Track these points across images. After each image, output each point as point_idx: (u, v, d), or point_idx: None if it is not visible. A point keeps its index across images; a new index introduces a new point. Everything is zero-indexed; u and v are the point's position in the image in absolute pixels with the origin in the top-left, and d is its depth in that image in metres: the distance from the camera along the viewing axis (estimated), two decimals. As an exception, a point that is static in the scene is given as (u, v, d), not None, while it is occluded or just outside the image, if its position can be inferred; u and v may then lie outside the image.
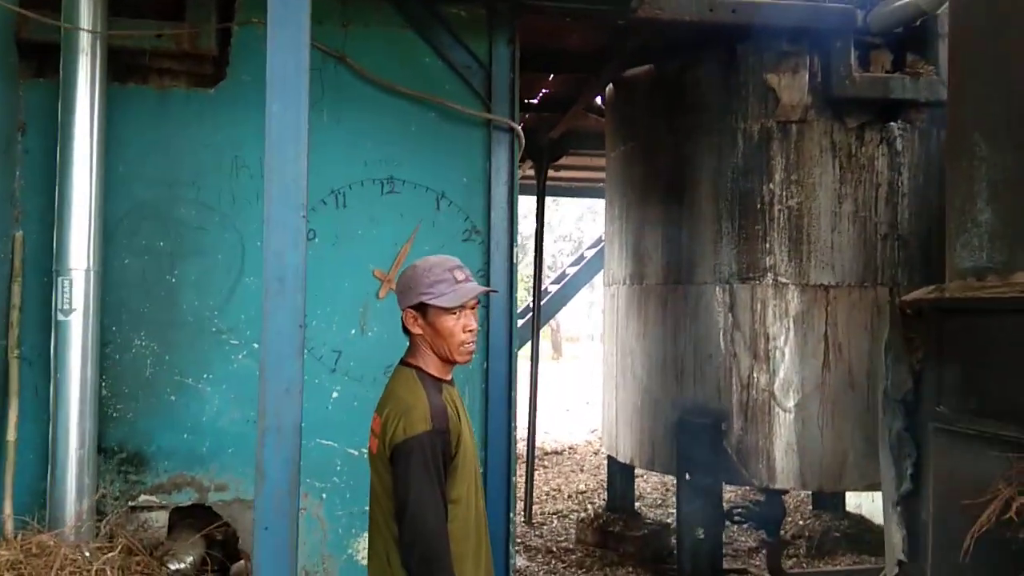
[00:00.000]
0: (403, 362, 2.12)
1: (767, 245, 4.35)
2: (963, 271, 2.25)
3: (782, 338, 4.34)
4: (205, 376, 3.25)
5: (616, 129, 5.45)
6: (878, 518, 6.36)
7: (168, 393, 3.21)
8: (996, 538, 2.08)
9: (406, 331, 2.10)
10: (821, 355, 4.30)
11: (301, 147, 2.09)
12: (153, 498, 3.16)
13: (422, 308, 2.04)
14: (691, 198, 4.61)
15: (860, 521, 6.33)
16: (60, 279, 2.85)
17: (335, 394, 3.37)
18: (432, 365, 2.08)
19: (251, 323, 3.26)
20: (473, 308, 2.08)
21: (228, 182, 3.31)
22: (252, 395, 3.29)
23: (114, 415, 3.16)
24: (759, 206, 4.36)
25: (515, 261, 3.53)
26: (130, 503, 3.12)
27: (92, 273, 2.90)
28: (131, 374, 3.19)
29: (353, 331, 3.39)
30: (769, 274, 4.35)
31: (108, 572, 2.26)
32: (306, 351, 3.22)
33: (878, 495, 6.25)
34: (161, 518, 3.15)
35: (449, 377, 2.13)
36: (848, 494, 6.48)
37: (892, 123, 4.36)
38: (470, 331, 2.06)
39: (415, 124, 3.49)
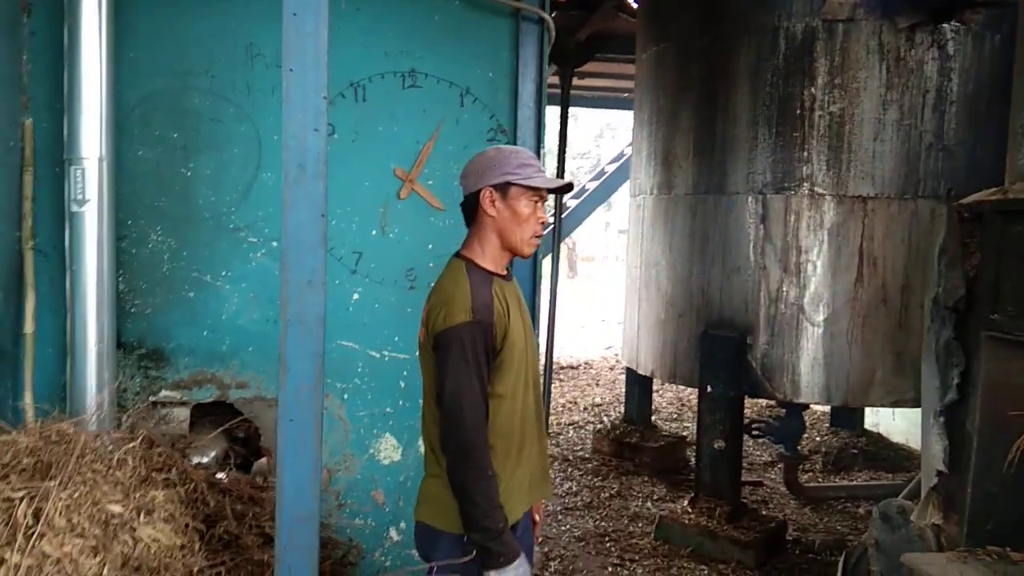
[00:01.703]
0: (456, 254, 2.10)
1: (805, 153, 4.16)
2: (1029, 172, 2.09)
3: (815, 251, 4.20)
4: (223, 274, 3.18)
5: (648, 29, 5.18)
6: (896, 436, 6.37)
7: (186, 290, 3.15)
8: (1045, 450, 2.00)
9: (469, 218, 2.08)
10: (855, 269, 4.17)
11: (322, 19, 1.94)
12: (174, 394, 3.14)
13: (504, 189, 2.00)
14: (726, 103, 4.40)
15: (878, 439, 6.33)
16: (72, 168, 2.74)
17: (356, 296, 3.29)
18: (489, 257, 2.05)
19: (269, 220, 3.15)
20: (545, 203, 2.08)
21: (243, 72, 3.15)
22: (272, 294, 3.24)
23: (132, 310, 3.11)
24: (799, 112, 4.15)
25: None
26: (151, 398, 3.11)
27: (105, 163, 2.79)
28: (148, 269, 3.12)
29: (374, 232, 3.29)
30: (805, 184, 4.18)
31: (129, 461, 2.24)
32: (326, 251, 3.16)
33: (899, 413, 6.25)
34: (182, 414, 3.14)
35: (504, 272, 2.09)
36: (867, 412, 6.47)
37: (945, 24, 4.09)
38: (542, 223, 2.05)
39: (439, 13, 3.29)
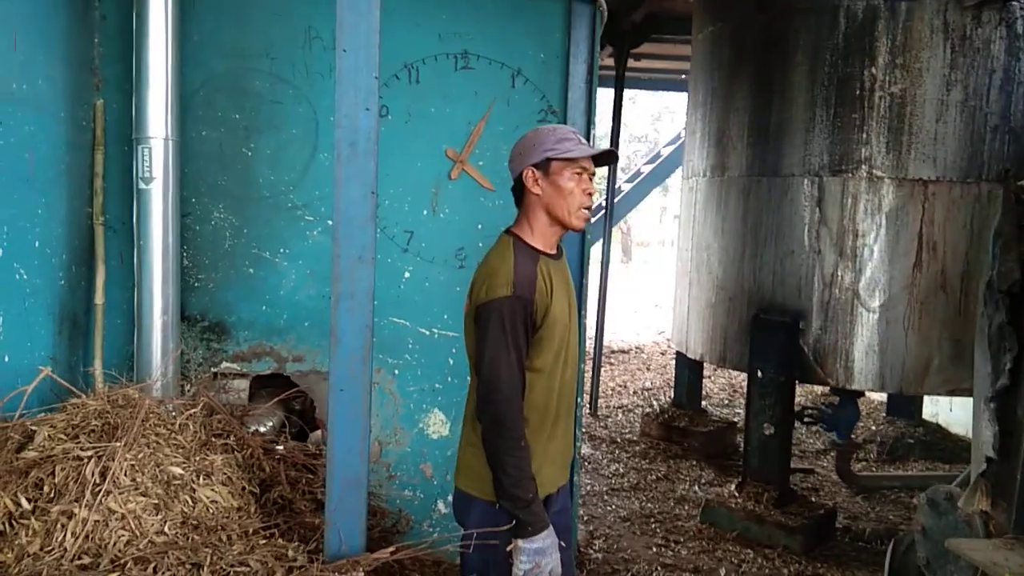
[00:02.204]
0: (506, 230, 2.14)
1: (864, 135, 4.07)
2: (1094, 152, 2.02)
3: (872, 235, 4.12)
4: (282, 251, 3.29)
5: (705, 8, 5.11)
6: (955, 427, 6.20)
7: (247, 266, 3.27)
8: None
9: (518, 199, 2.13)
10: (913, 254, 4.08)
11: (374, 0, 1.99)
12: (234, 365, 3.27)
13: (545, 166, 2.04)
14: (782, 83, 4.33)
15: (936, 429, 6.18)
16: (140, 147, 2.87)
17: (407, 274, 3.37)
18: (537, 235, 2.09)
19: (325, 200, 3.25)
20: (592, 177, 2.09)
21: (302, 54, 3.24)
22: (327, 271, 3.33)
23: (196, 284, 3.24)
24: (858, 92, 4.06)
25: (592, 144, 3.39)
26: (212, 369, 3.25)
27: (171, 142, 2.91)
28: (211, 245, 3.25)
29: (425, 212, 3.35)
30: (863, 166, 4.09)
31: (190, 426, 2.36)
32: (378, 230, 3.24)
33: (957, 403, 6.09)
34: (242, 385, 3.27)
35: (553, 250, 2.13)
36: (925, 403, 6.32)
37: (1014, 2, 3.94)
38: (589, 194, 2.07)
39: (491, -6, 3.32)
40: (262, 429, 2.96)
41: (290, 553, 2.14)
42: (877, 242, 4.12)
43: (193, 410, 2.47)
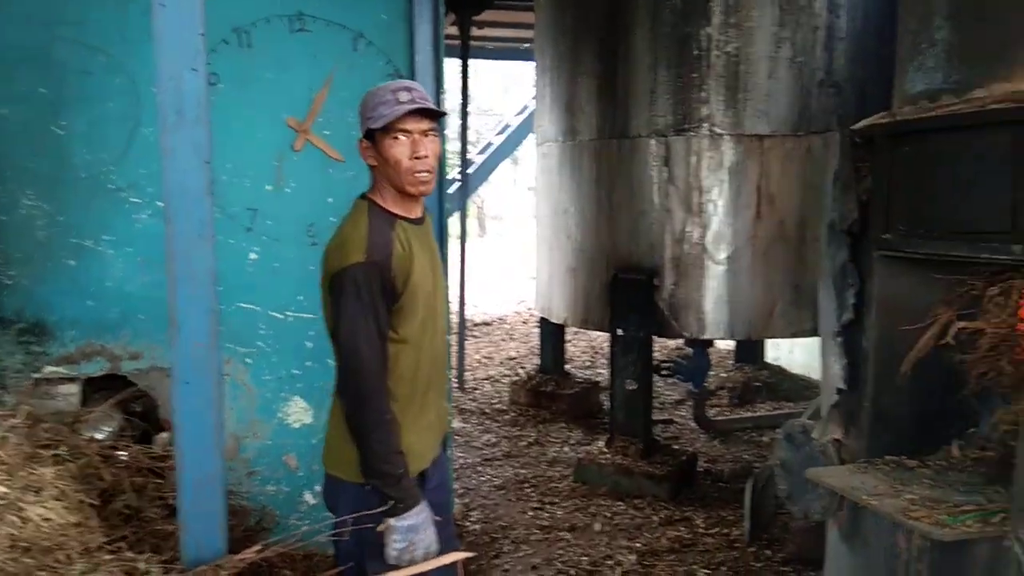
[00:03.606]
0: (361, 195, 2.01)
1: (703, 94, 4.21)
2: (915, 96, 2.16)
3: (716, 191, 4.28)
4: (106, 238, 2.97)
5: (545, -27, 5.10)
6: (795, 368, 6.68)
7: (66, 257, 2.93)
8: (934, 362, 2.10)
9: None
10: (753, 207, 4.28)
11: (191, -54, 1.79)
12: (60, 369, 2.93)
13: (371, 136, 1.91)
14: (626, 45, 4.39)
15: (779, 371, 6.63)
16: (-80, 126, 2.49)
17: (253, 255, 3.14)
18: (390, 199, 1.95)
19: (153, 179, 2.95)
20: (426, 134, 1.91)
21: (115, 18, 2.91)
22: (161, 258, 3.04)
23: (7, 282, 2.87)
24: (696, 52, 4.18)
25: (443, 109, 3.28)
26: (34, 375, 2.90)
27: (-41, 121, 2.54)
28: (22, 237, 2.88)
29: (268, 187, 3.13)
30: (705, 125, 4.24)
31: (11, 439, 2.08)
32: (217, 209, 2.98)
33: (797, 346, 6.55)
34: (72, 389, 2.94)
35: (414, 215, 1.99)
36: (768, 347, 6.75)
37: (831, -37, 4.18)
38: (418, 158, 1.89)
39: (325, -49, 3.12)
40: (99, 436, 2.68)
41: (142, 566, 1.95)
42: (721, 197, 4.29)
43: (14, 420, 2.18)
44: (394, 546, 1.87)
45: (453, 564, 2.03)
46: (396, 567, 1.89)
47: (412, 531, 1.87)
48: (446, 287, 2.35)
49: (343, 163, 3.15)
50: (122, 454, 2.56)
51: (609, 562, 3.61)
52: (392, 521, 1.86)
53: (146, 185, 2.97)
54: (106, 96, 2.93)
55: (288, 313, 3.17)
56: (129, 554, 2.00)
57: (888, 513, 1.86)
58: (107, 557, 1.97)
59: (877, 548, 2.10)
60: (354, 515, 1.89)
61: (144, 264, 2.99)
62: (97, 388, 3.03)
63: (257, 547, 2.04)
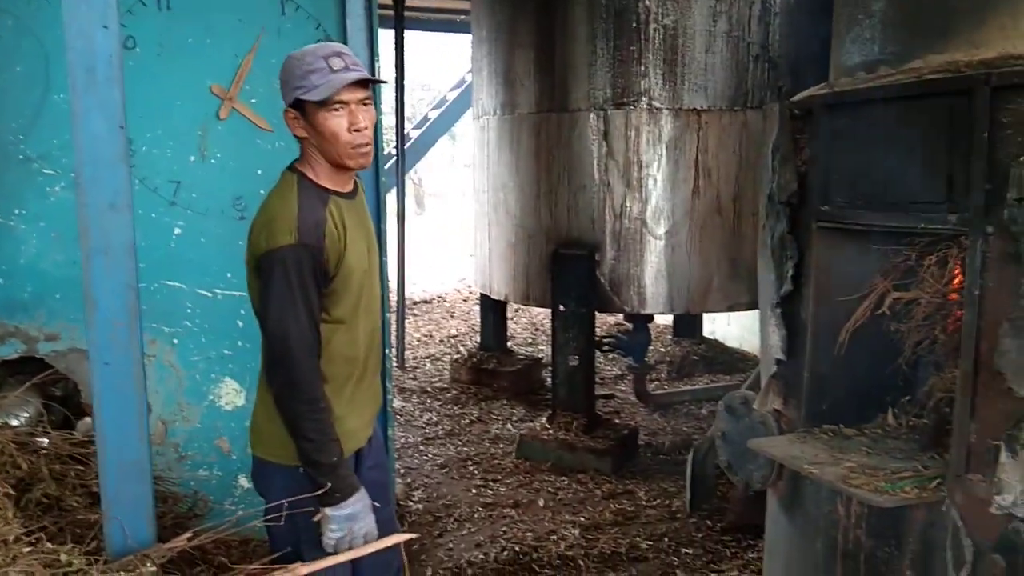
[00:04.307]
0: (289, 166, 1.86)
1: (642, 67, 4.19)
2: (852, 67, 2.16)
3: (655, 165, 4.28)
4: (16, 212, 2.78)
5: (481, -60, 4.98)
6: (731, 341, 6.80)
7: (-29, 233, 2.74)
8: (872, 332, 2.13)
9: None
10: (691, 181, 4.30)
11: None
12: (-32, 353, 2.76)
13: (301, 106, 1.76)
14: (564, 16, 4.33)
15: (715, 345, 6.74)
16: None
17: (178, 230, 2.99)
18: (322, 173, 1.83)
19: (66, 149, 2.76)
20: (363, 103, 1.79)
21: (18, -25, 2.71)
22: (76, 233, 2.88)
23: (-96, 261, 2.67)
24: (635, 25, 4.15)
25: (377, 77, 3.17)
26: (-61, 360, 2.71)
27: None
28: (-79, 212, 2.68)
29: (192, 158, 2.97)
30: (644, 98, 4.22)
31: (-91, 429, 1.93)
32: (138, 181, 2.83)
33: (733, 320, 6.67)
34: (-18, 375, 2.77)
35: (347, 188, 1.87)
36: (704, 322, 6.85)
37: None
38: (358, 130, 1.77)
39: (249, -93, 2.96)
40: (14, 422, 2.52)
41: (63, 557, 1.83)
42: (660, 171, 4.29)
43: (-88, 410, 2.02)
44: (331, 535, 1.81)
45: (395, 546, 1.98)
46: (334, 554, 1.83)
47: (350, 519, 1.81)
48: (383, 263, 2.27)
49: (272, 133, 3.01)
50: (41, 440, 2.42)
51: (553, 537, 3.61)
52: (329, 511, 1.80)
53: (60, 156, 2.79)
54: (12, 60, 2.74)
55: (216, 291, 3.03)
56: (49, 545, 1.88)
57: (829, 481, 1.87)
58: (26, 550, 1.85)
59: (817, 515, 2.13)
60: (288, 500, 1.81)
61: (59, 240, 2.82)
62: (12, 372, 2.85)
63: (188, 534, 1.95)
